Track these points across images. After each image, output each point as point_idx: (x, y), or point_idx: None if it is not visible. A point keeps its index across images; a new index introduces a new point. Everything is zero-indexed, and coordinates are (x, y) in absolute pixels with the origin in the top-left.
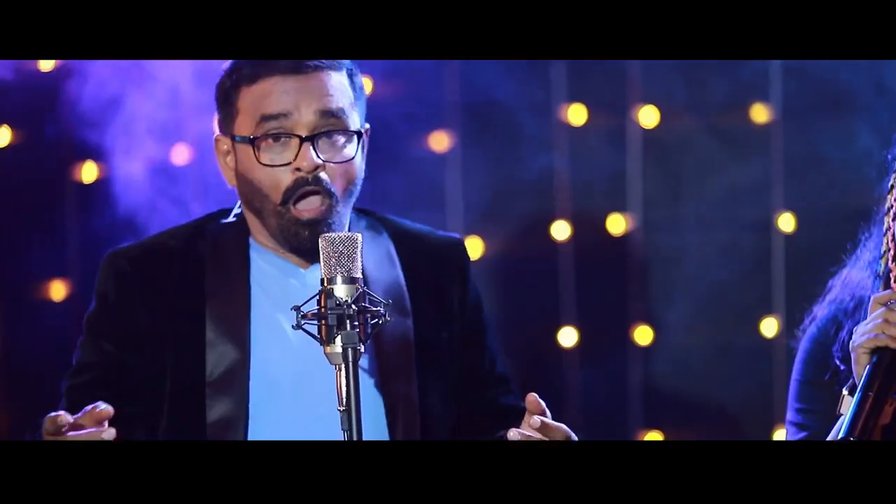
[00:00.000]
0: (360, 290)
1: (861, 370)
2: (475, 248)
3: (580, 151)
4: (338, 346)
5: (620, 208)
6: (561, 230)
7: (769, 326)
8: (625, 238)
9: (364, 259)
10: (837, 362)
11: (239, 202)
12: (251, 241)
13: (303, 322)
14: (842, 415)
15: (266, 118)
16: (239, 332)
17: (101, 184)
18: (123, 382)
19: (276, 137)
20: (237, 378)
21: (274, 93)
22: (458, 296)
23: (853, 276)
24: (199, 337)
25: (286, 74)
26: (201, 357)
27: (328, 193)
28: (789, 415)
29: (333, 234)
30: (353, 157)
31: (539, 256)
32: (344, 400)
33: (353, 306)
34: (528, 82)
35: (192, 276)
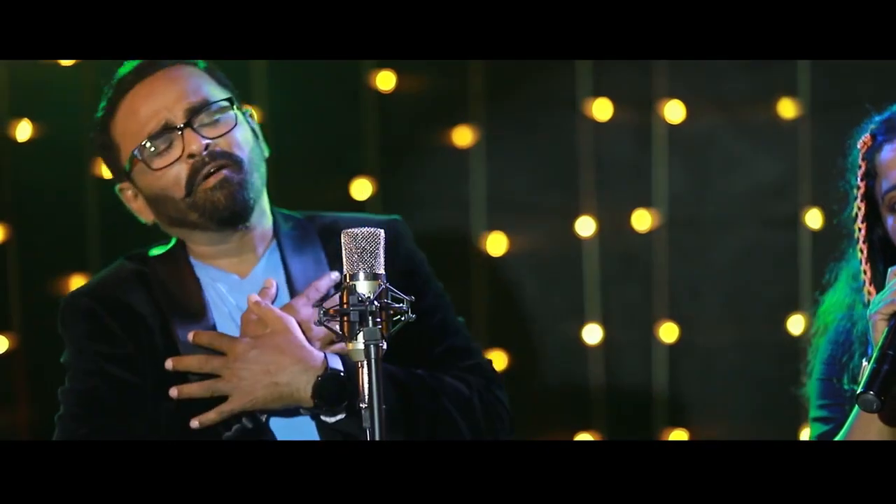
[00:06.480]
0: (383, 286)
1: (878, 336)
2: (499, 243)
3: (605, 147)
4: (360, 342)
5: (645, 204)
6: (585, 226)
7: (796, 324)
8: (650, 234)
9: (291, 265)
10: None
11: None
12: (191, 258)
13: (325, 318)
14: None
15: (142, 127)
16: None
17: None
18: (129, 402)
19: (158, 136)
20: None
21: (135, 106)
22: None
23: (837, 302)
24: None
25: (133, 86)
26: (183, 377)
27: (229, 161)
28: (812, 412)
29: (356, 230)
30: (235, 124)
31: (563, 253)
32: (366, 397)
33: (376, 303)
34: (553, 77)
35: (155, 298)
